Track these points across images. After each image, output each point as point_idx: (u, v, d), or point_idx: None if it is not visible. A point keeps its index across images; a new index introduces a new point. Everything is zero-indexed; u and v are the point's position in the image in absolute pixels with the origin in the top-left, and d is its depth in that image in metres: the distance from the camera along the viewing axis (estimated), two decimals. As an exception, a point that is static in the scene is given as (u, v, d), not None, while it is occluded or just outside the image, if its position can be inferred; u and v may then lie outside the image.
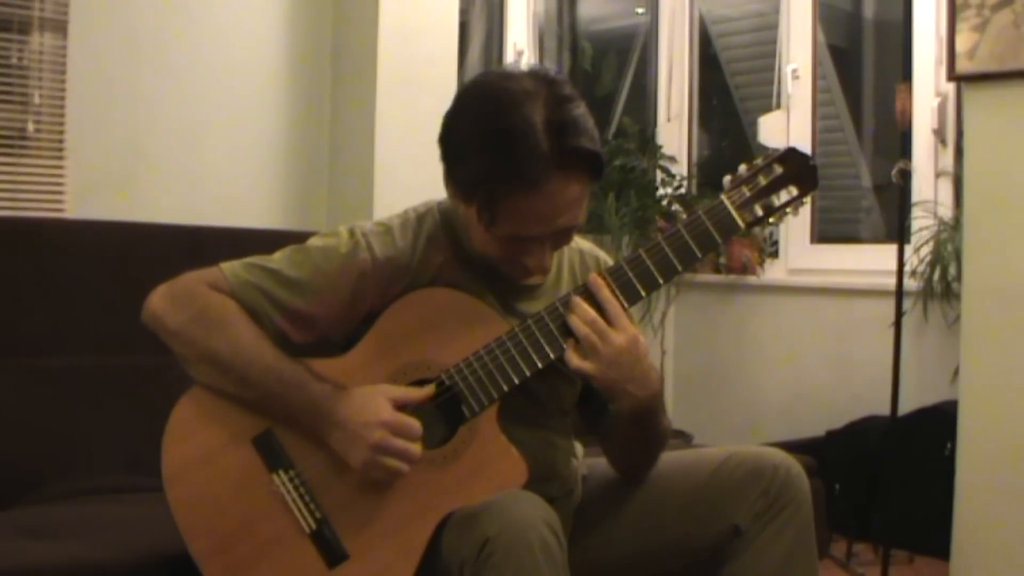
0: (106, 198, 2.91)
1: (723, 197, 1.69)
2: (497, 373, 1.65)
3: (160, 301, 1.68)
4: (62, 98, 2.86)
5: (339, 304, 1.67)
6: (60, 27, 2.85)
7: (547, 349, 1.65)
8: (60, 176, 2.86)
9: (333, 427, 1.61)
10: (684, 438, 3.73)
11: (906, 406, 3.21)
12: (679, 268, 1.67)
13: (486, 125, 1.58)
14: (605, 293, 1.64)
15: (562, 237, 1.66)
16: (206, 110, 3.15)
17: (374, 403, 1.60)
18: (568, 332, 1.65)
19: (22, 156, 2.81)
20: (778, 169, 1.70)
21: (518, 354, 1.65)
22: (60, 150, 2.86)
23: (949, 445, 2.83)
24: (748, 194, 1.69)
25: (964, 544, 2.70)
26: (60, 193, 2.85)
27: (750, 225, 1.71)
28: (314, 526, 1.63)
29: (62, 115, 2.86)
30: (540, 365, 1.65)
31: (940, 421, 3.15)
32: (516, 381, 1.65)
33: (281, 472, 1.64)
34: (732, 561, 1.70)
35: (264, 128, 3.29)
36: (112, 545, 1.78)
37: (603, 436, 1.82)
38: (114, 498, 2.15)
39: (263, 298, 1.66)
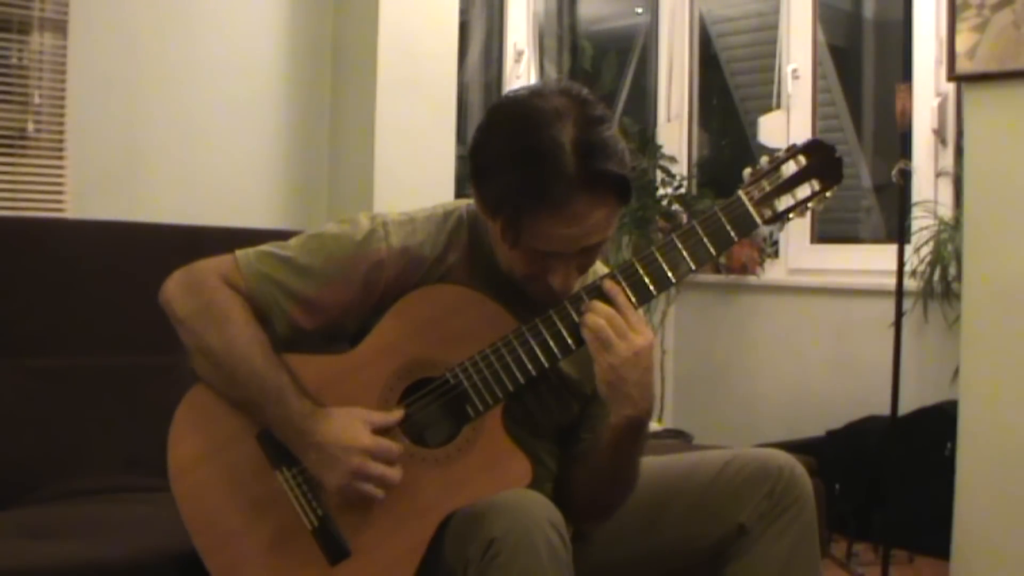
0: (106, 198, 2.91)
1: (740, 193, 1.64)
2: (503, 373, 1.63)
3: (174, 286, 1.70)
4: (62, 98, 2.86)
5: (350, 292, 1.67)
6: (60, 27, 2.84)
7: (554, 349, 1.63)
8: (60, 176, 2.86)
9: (309, 448, 1.61)
10: (684, 438, 3.72)
11: (906, 406, 3.21)
12: (692, 267, 1.62)
13: (514, 143, 1.56)
14: (622, 299, 1.59)
15: (587, 257, 1.63)
16: (206, 110, 3.14)
17: (353, 427, 1.60)
18: (578, 333, 1.61)
19: (22, 156, 2.81)
20: (801, 161, 1.65)
21: (525, 354, 1.63)
22: (60, 150, 2.86)
23: (949, 445, 2.82)
24: (768, 189, 1.64)
25: (964, 544, 2.70)
26: (60, 193, 2.85)
27: (768, 221, 1.64)
28: (316, 523, 1.63)
29: (62, 115, 2.86)
30: (547, 365, 1.64)
31: (940, 421, 3.15)
32: (522, 381, 1.64)
33: (284, 469, 1.64)
34: (735, 560, 1.70)
35: (264, 128, 3.29)
36: (112, 545, 1.78)
37: (574, 462, 1.76)
38: (114, 498, 2.15)
39: (275, 288, 1.67)
